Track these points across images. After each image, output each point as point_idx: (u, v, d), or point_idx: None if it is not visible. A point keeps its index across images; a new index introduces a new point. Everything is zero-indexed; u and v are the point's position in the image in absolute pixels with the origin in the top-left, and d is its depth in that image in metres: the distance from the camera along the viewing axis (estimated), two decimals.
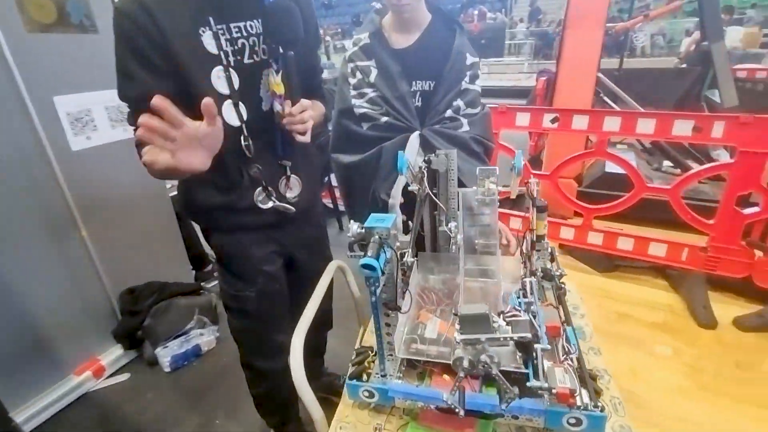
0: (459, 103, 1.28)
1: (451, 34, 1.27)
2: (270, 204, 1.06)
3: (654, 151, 3.23)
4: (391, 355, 0.82)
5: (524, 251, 0.92)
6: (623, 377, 1.65)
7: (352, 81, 1.28)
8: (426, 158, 0.94)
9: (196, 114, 0.92)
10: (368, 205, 1.36)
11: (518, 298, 0.68)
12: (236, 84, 0.94)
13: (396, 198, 1.32)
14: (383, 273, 0.69)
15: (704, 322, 1.89)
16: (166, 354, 2.04)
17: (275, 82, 0.98)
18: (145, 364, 2.09)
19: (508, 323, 0.55)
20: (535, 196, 0.82)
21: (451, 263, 1.05)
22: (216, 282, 2.73)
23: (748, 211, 1.80)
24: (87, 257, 1.92)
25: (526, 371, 0.56)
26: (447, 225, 0.94)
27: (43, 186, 1.73)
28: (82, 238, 1.88)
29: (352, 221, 0.78)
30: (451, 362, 0.57)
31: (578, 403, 0.63)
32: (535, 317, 0.63)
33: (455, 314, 0.56)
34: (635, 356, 1.78)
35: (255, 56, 0.97)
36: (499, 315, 0.56)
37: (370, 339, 1.01)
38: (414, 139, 1.25)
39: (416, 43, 1.26)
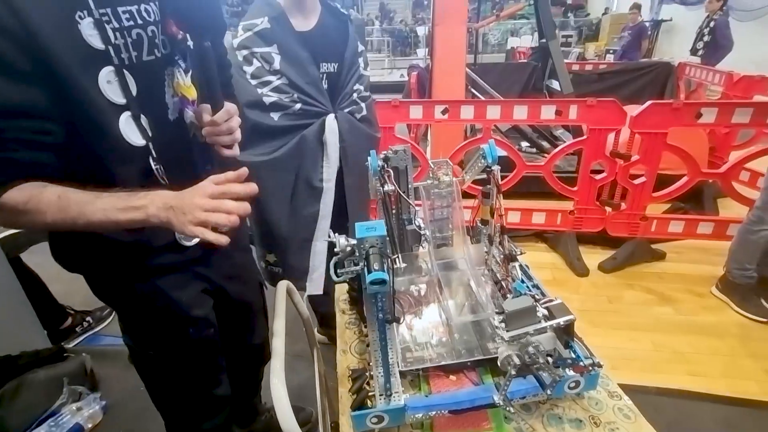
0: (359, 86, 1.34)
1: (340, 18, 1.31)
2: (196, 239, 0.86)
3: (510, 135, 3.76)
4: (390, 370, 0.76)
5: (486, 236, 0.95)
6: None
7: (249, 69, 1.19)
8: (383, 155, 0.88)
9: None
10: (288, 206, 1.31)
11: (522, 282, 0.69)
12: (134, 89, 0.71)
13: (332, 181, 1.32)
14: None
15: (580, 272, 2.30)
16: None
17: (185, 84, 0.77)
18: None
19: (546, 309, 0.55)
20: (499, 182, 0.85)
21: (412, 262, 1.03)
22: (83, 337, 2.17)
23: (599, 177, 2.23)
24: None
25: (572, 355, 0.57)
26: (414, 223, 0.91)
27: None
28: None
29: (336, 234, 0.68)
30: (498, 362, 0.54)
31: (596, 368, 0.67)
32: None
33: (498, 312, 0.53)
34: None
35: (156, 51, 0.74)
36: (536, 303, 0.56)
37: (345, 360, 0.92)
38: (332, 122, 1.27)
39: (318, 26, 1.25)
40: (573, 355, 0.57)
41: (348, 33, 1.30)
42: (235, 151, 0.85)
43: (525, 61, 4.36)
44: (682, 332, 1.86)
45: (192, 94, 0.79)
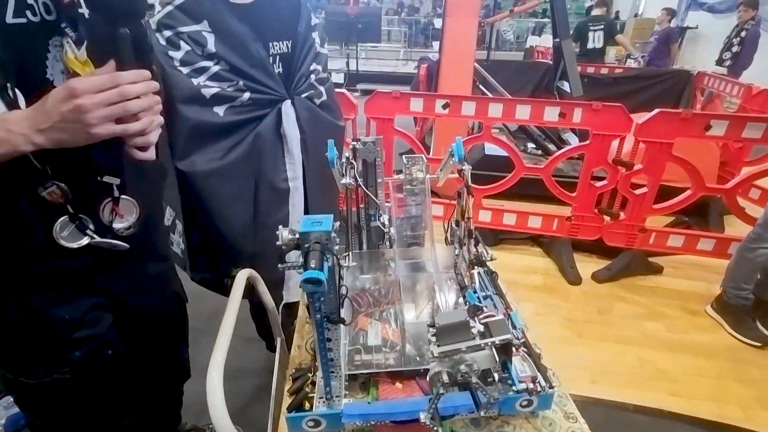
0: (317, 66, 1.19)
1: None
2: (84, 240, 0.71)
3: (518, 135, 3.67)
4: (333, 372, 0.73)
5: (457, 238, 0.91)
6: None
7: (177, 55, 0.98)
8: (351, 146, 0.84)
9: None
10: (251, 216, 1.16)
11: (474, 293, 0.65)
12: None
13: (299, 179, 1.19)
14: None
15: (572, 280, 2.24)
16: None
17: (78, 59, 0.62)
18: None
19: (484, 325, 0.51)
20: (470, 183, 0.80)
21: (378, 260, 0.99)
22: None
23: (599, 184, 2.16)
24: None
25: (505, 375, 0.53)
26: (378, 219, 0.87)
27: None
28: None
29: (281, 227, 0.65)
30: (427, 377, 0.51)
31: (538, 388, 0.64)
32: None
33: (430, 326, 0.49)
34: (524, 317, 2.02)
35: (30, 13, 0.60)
36: (473, 317, 0.52)
37: (299, 356, 0.89)
38: (289, 110, 1.13)
39: None
40: (507, 376, 0.53)
41: (299, 2, 1.13)
42: (150, 154, 0.70)
43: (540, 60, 4.24)
44: (670, 350, 1.80)
45: (85, 70, 0.63)
